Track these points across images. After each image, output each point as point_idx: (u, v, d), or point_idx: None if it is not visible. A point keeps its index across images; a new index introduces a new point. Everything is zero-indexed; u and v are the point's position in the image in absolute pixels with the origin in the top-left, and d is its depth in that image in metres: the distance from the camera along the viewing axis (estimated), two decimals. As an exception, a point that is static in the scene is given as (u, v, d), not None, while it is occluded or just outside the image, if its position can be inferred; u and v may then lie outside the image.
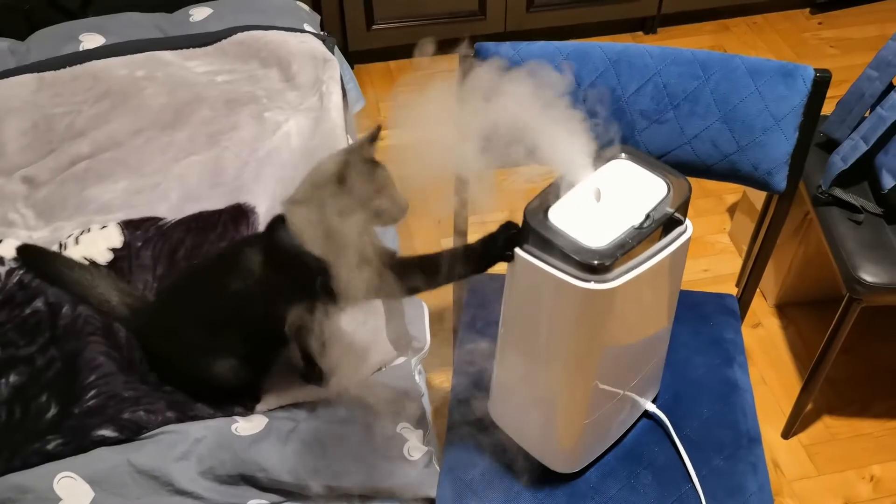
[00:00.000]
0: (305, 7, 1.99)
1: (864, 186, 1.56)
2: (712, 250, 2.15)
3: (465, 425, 1.21)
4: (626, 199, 0.94)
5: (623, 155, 0.99)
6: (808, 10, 2.96)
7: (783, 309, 2.01)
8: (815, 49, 2.80)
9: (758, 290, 2.03)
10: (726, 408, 1.22)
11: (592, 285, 0.88)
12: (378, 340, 1.31)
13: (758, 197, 1.97)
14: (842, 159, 1.51)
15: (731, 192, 2.28)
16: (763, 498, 1.13)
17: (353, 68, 2.32)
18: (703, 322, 1.34)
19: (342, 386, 1.25)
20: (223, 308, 1.13)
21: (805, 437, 1.75)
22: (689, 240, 0.97)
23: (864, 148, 1.49)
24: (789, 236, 1.86)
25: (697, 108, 1.19)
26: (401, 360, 1.31)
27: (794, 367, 1.88)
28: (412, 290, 1.03)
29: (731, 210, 2.24)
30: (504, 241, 0.95)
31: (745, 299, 1.39)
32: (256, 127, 1.58)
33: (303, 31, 1.80)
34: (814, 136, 1.19)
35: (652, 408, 1.19)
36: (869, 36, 2.83)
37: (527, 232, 0.92)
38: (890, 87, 1.50)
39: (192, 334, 1.16)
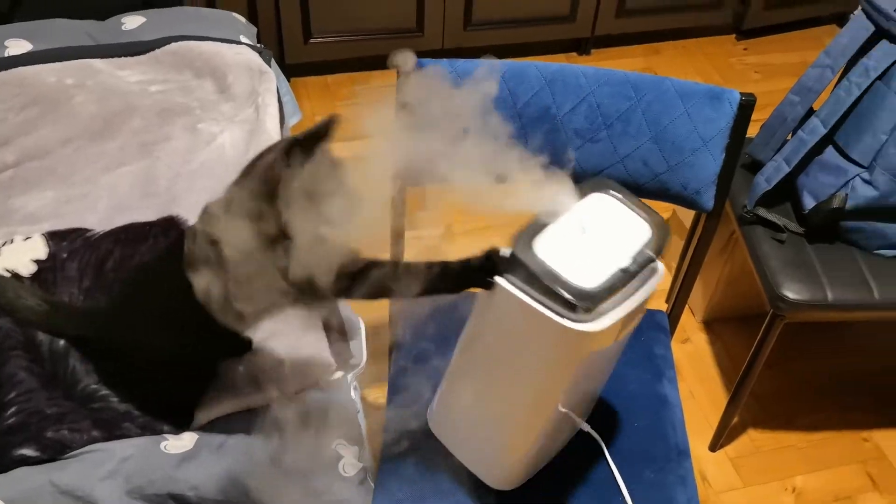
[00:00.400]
0: (241, 19, 1.97)
1: (787, 207, 1.62)
2: (643, 267, 2.20)
3: (401, 442, 1.20)
4: (611, 237, 0.94)
5: (603, 189, 0.99)
6: (734, 36, 3.07)
7: (711, 325, 2.07)
8: (740, 73, 2.91)
9: (686, 306, 2.09)
10: (657, 422, 1.25)
11: (577, 325, 0.87)
12: (316, 354, 1.29)
13: (686, 216, 2.03)
14: (766, 180, 1.57)
15: (661, 210, 2.34)
16: (691, 510, 1.16)
17: (289, 81, 2.31)
18: (634, 338, 1.36)
19: (276, 399, 1.24)
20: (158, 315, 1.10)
21: (731, 449, 1.80)
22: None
23: (786, 169, 1.55)
24: (716, 254, 1.92)
25: (629, 129, 1.22)
26: (337, 375, 1.30)
27: (721, 381, 1.93)
28: (373, 296, 0.95)
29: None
30: (486, 268, 0.91)
31: (674, 315, 1.42)
32: (190, 138, 1.55)
33: (239, 42, 1.78)
34: (739, 157, 1.24)
35: (586, 427, 1.21)
36: (791, 62, 2.96)
37: (512, 263, 0.90)
38: (810, 112, 1.56)
39: (133, 340, 1.11)
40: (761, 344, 1.56)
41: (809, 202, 1.52)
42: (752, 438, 1.83)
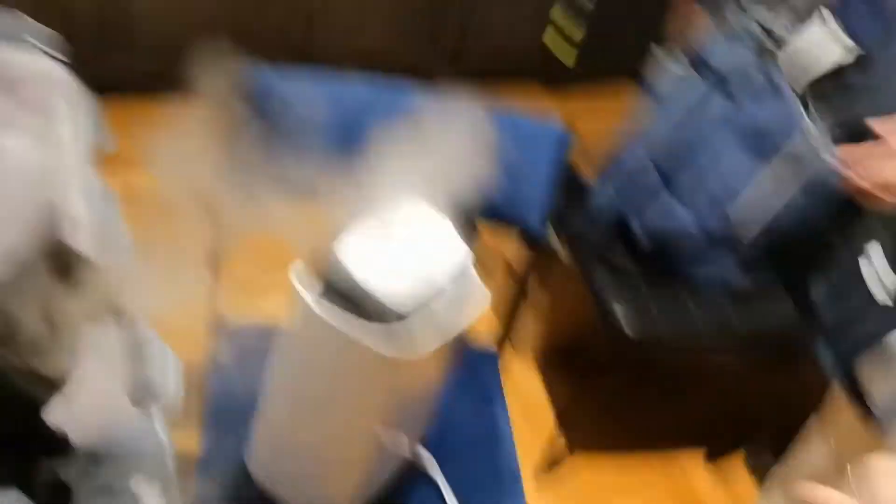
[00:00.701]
0: (40, 26, 1.78)
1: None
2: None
3: (218, 482, 1.08)
4: (424, 252, 0.87)
5: (410, 195, 0.92)
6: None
7: (541, 361, 2.08)
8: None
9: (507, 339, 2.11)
10: (489, 449, 1.22)
11: (399, 354, 0.82)
12: (114, 394, 1.14)
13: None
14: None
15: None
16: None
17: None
18: (466, 367, 1.34)
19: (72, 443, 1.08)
20: None
21: (559, 476, 1.82)
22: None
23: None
24: (536, 286, 1.95)
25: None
26: (140, 413, 1.15)
27: (543, 413, 1.95)
28: None
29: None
30: None
31: (501, 348, 1.42)
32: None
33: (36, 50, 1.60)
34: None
35: (424, 453, 1.15)
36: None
37: (321, 281, 0.83)
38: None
39: None
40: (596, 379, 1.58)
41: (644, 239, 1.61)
42: (576, 465, 1.85)
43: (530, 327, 2.05)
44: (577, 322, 1.96)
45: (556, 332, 2.05)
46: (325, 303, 0.83)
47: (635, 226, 1.61)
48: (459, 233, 0.92)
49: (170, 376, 1.21)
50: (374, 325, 0.80)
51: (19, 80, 1.52)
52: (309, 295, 0.83)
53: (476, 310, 0.91)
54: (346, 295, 0.81)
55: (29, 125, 1.44)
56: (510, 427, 1.28)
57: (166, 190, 0.90)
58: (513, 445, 1.25)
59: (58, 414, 1.09)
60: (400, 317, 0.81)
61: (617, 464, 1.89)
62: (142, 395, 1.16)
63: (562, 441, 1.77)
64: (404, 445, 1.11)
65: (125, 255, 1.40)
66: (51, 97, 1.51)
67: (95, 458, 1.06)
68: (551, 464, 1.81)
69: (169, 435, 1.20)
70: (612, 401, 2.01)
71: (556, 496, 1.78)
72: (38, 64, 1.56)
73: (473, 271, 0.89)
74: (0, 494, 0.87)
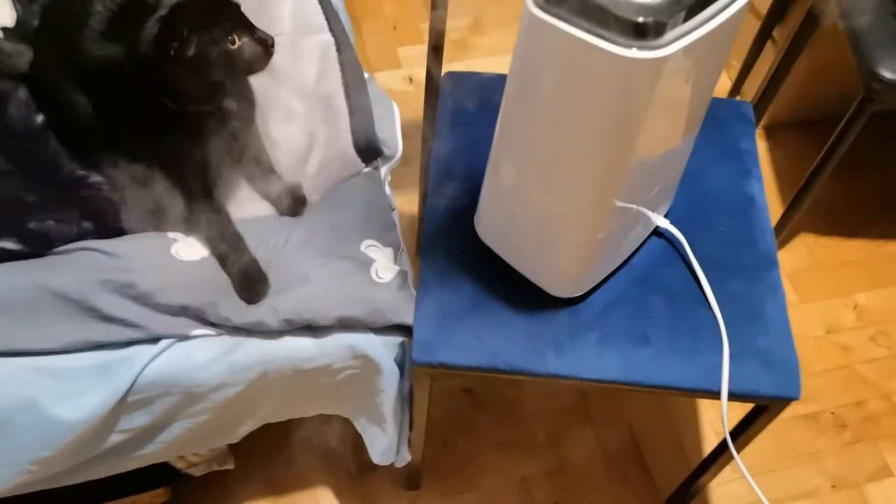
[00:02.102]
0: None
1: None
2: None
3: (445, 244, 1.03)
4: None
5: None
6: None
7: (771, 130, 1.85)
8: None
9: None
10: (743, 225, 1.07)
11: (639, 53, 0.67)
12: (341, 147, 1.09)
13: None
14: None
15: None
16: (782, 324, 1.00)
17: None
18: (717, 128, 1.16)
19: (299, 200, 1.05)
20: None
21: (788, 264, 1.65)
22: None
23: None
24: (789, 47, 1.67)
25: None
26: (367, 169, 1.11)
27: (778, 191, 1.75)
28: None
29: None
30: None
31: (761, 106, 1.21)
32: None
33: None
34: None
35: (665, 224, 1.03)
36: None
37: None
38: None
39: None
40: (842, 135, 1.34)
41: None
42: (813, 252, 1.67)
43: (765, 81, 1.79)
44: (821, 91, 1.67)
45: (798, 102, 1.77)
46: (553, 8, 0.70)
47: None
48: None
49: (393, 130, 1.15)
50: (610, 27, 0.67)
51: None
52: (535, 6, 0.71)
53: (737, 5, 0.74)
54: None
55: None
56: (766, 200, 1.11)
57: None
58: (769, 222, 1.09)
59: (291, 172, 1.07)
60: (643, 8, 0.67)
61: (863, 252, 1.68)
62: (368, 149, 1.11)
63: (794, 218, 1.57)
64: (648, 214, 0.99)
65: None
66: None
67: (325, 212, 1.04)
68: (783, 250, 1.63)
69: (391, 194, 1.16)
70: (857, 179, 1.77)
71: (786, 286, 1.62)
72: None
73: None
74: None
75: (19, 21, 1.10)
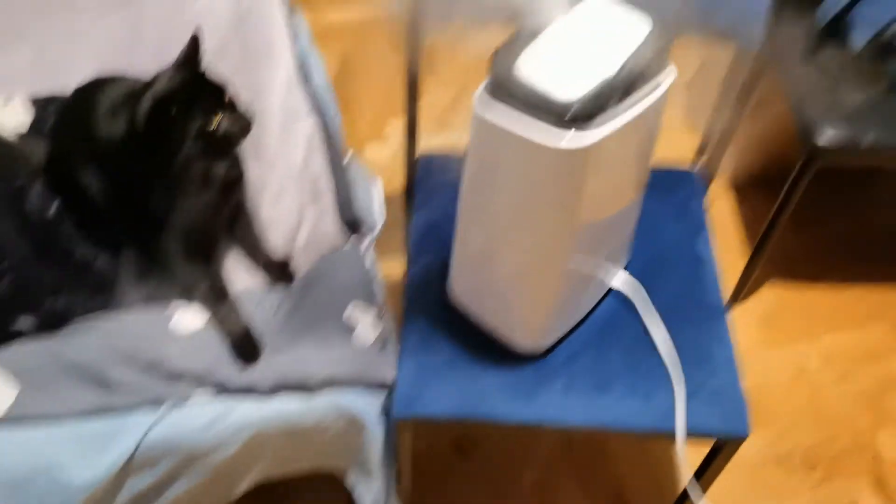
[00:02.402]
0: None
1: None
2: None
3: (424, 308, 1.13)
4: (603, 44, 0.83)
5: None
6: None
7: (739, 188, 1.97)
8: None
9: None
10: (692, 279, 1.18)
11: (567, 144, 0.79)
12: (327, 223, 1.21)
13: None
14: (826, 12, 1.44)
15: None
16: (729, 367, 1.10)
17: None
18: (669, 194, 1.28)
19: (289, 272, 1.16)
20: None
21: (758, 309, 1.75)
22: (670, 87, 0.89)
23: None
24: (747, 112, 1.80)
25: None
26: (351, 241, 1.21)
27: (747, 244, 1.85)
28: None
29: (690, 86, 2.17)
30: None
31: (707, 174, 1.33)
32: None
33: None
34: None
35: (619, 282, 1.13)
36: None
37: (490, 86, 0.81)
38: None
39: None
40: (791, 190, 1.46)
41: (861, 37, 1.39)
42: (780, 299, 1.77)
43: (732, 155, 1.91)
44: (781, 149, 1.79)
45: (760, 160, 1.89)
46: (496, 105, 0.82)
47: (858, 25, 1.40)
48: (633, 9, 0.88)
49: (374, 206, 1.26)
50: (542, 121, 0.79)
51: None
52: (480, 103, 0.83)
53: (662, 91, 0.86)
54: (514, 95, 0.80)
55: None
56: (714, 255, 1.22)
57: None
58: (717, 275, 1.19)
59: (282, 247, 1.18)
60: (564, 107, 0.78)
61: (827, 297, 1.78)
62: (353, 225, 1.22)
63: (759, 266, 1.67)
64: (603, 269, 1.09)
65: (323, 83, 1.44)
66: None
67: (313, 282, 1.14)
68: (752, 298, 1.73)
69: (375, 263, 1.27)
70: (819, 230, 1.88)
71: (755, 331, 1.72)
72: None
73: (650, 50, 0.84)
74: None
75: (35, 122, 1.23)
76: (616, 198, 0.98)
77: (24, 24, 1.37)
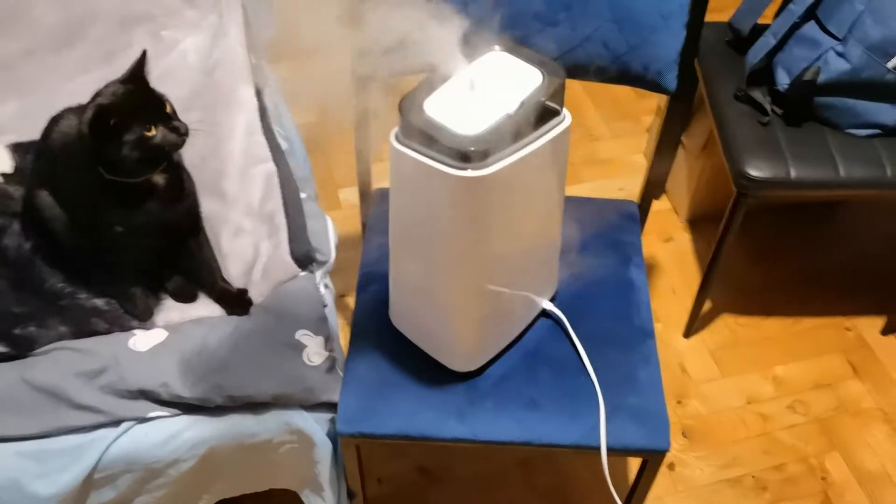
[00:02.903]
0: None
1: (763, 91, 1.59)
2: (628, 170, 2.19)
3: (369, 332, 1.22)
4: (501, 88, 0.94)
5: (497, 47, 0.99)
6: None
7: (695, 224, 2.06)
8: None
9: (670, 206, 2.09)
10: (621, 304, 1.26)
11: (468, 173, 0.89)
12: (281, 257, 1.30)
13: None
14: (753, 56, 1.54)
15: (649, 112, 2.31)
16: (653, 386, 1.17)
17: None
18: (602, 225, 1.37)
19: (246, 302, 1.25)
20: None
21: (711, 341, 1.82)
22: (568, 129, 0.98)
23: (772, 43, 1.51)
24: (698, 151, 1.90)
25: (588, 9, 1.20)
26: (304, 273, 1.31)
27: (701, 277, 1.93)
28: None
29: (649, 131, 2.28)
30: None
31: (643, 205, 1.42)
32: (153, 45, 1.53)
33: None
34: (699, 35, 1.21)
35: (549, 306, 1.22)
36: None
37: (402, 124, 0.92)
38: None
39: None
40: (728, 224, 1.55)
41: (784, 79, 1.49)
42: (733, 330, 1.84)
43: (686, 193, 2.01)
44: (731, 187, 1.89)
45: (713, 198, 1.99)
46: (409, 143, 0.92)
47: (780, 68, 1.51)
48: (529, 60, 0.99)
49: (327, 239, 1.35)
50: (446, 153, 0.90)
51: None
52: (396, 140, 0.94)
53: (558, 132, 0.97)
54: (423, 131, 0.90)
55: (208, 24, 1.61)
56: (645, 282, 1.30)
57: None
58: (647, 301, 1.27)
59: (239, 279, 1.28)
60: (468, 140, 0.89)
61: (780, 329, 1.85)
62: (304, 257, 1.32)
63: (708, 296, 1.76)
64: (530, 293, 1.18)
65: (292, 130, 1.55)
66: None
67: (265, 310, 1.23)
68: (705, 330, 1.81)
69: (333, 294, 1.36)
70: (773, 265, 1.96)
71: (709, 362, 1.79)
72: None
73: (543, 95, 0.94)
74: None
75: (17, 169, 1.34)
76: (527, 228, 1.07)
77: (10, 78, 1.49)
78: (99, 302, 1.18)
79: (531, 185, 0.99)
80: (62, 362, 1.12)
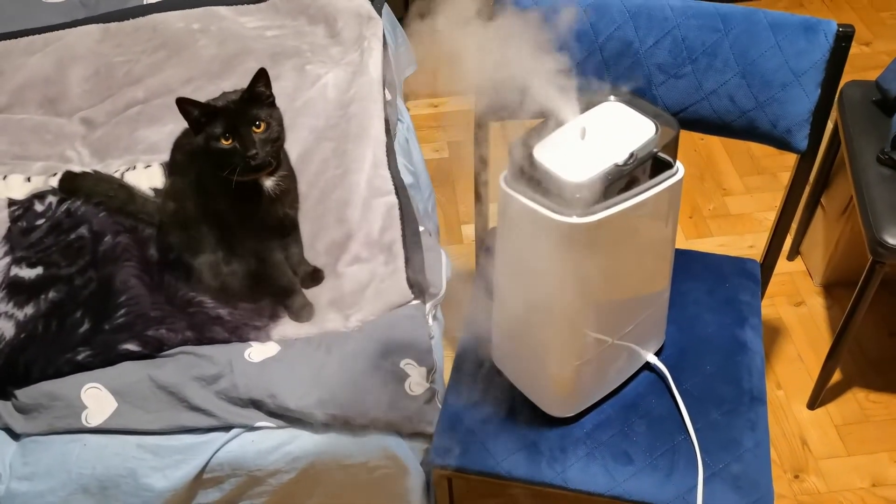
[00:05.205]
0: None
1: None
2: (760, 227, 2.11)
3: (470, 368, 1.24)
4: (612, 138, 0.95)
5: (612, 97, 1.00)
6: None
7: (830, 289, 1.95)
8: (891, 28, 2.68)
9: (804, 268, 1.99)
10: (731, 366, 1.22)
11: (573, 219, 0.90)
12: (395, 282, 1.35)
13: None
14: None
15: (786, 169, 2.23)
16: (759, 455, 1.12)
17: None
18: (719, 283, 1.33)
19: (356, 321, 1.31)
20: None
21: (838, 416, 1.71)
22: (680, 181, 0.98)
23: None
24: (838, 214, 1.81)
25: (716, 63, 1.18)
26: (415, 302, 1.35)
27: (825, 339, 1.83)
28: None
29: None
30: None
31: (767, 264, 1.37)
32: (297, 78, 1.64)
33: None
34: (836, 93, 1.17)
35: (653, 360, 1.19)
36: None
37: (511, 167, 0.94)
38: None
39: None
40: (861, 293, 1.46)
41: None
42: (862, 406, 1.73)
43: (822, 257, 1.91)
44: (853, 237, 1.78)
45: (850, 263, 1.88)
46: (518, 186, 0.95)
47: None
48: (643, 111, 0.99)
49: (440, 273, 1.39)
50: (553, 199, 0.92)
51: (340, 17, 1.79)
52: (504, 182, 0.97)
53: (669, 184, 0.97)
54: (532, 178, 0.93)
55: (349, 61, 1.71)
56: (761, 346, 1.25)
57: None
58: (761, 365, 1.22)
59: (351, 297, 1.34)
60: (574, 187, 0.90)
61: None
62: (417, 287, 1.36)
63: (836, 369, 1.65)
64: (634, 345, 1.16)
65: (420, 165, 1.61)
66: (364, 33, 1.76)
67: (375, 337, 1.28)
68: (832, 403, 1.70)
69: (441, 326, 1.39)
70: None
71: (833, 438, 1.68)
72: (356, 2, 1.83)
73: (654, 145, 0.95)
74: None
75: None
76: (632, 278, 1.06)
77: (171, 102, 1.63)
78: (223, 311, 1.26)
79: (639, 235, 0.99)
80: (184, 365, 1.21)
